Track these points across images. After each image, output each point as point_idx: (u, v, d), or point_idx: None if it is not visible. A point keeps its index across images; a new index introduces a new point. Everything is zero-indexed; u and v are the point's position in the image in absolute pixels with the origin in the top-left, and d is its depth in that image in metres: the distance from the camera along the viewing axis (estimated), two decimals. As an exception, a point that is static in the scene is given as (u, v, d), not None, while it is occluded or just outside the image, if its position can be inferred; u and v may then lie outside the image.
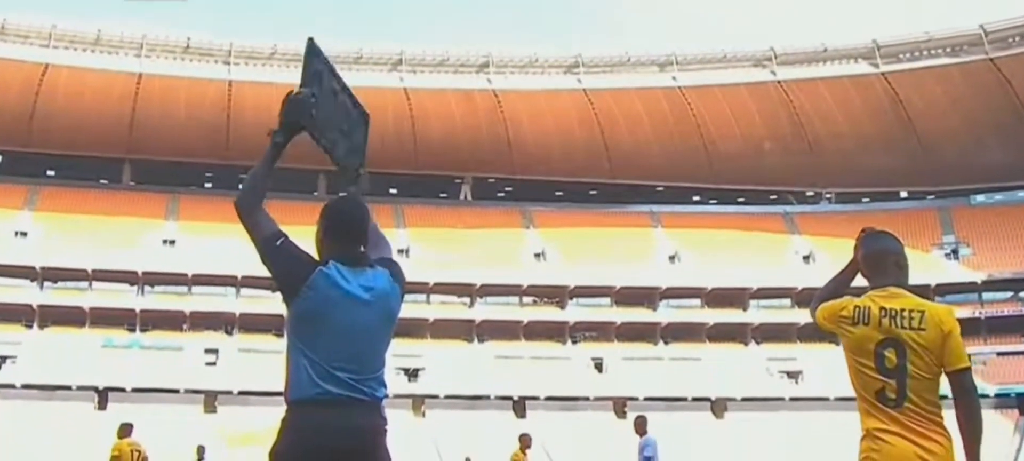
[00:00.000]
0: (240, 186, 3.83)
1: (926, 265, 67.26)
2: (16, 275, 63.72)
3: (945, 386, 3.91)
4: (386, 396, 3.76)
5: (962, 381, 3.91)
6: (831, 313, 4.05)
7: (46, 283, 64.77)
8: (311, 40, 4.01)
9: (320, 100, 3.93)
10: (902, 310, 3.96)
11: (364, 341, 3.70)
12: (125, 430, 14.86)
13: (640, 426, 14.22)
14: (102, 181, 73.99)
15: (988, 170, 73.95)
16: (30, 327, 63.44)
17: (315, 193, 72.83)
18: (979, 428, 3.90)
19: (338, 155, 4.12)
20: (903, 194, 79.70)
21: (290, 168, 72.84)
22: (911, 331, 3.91)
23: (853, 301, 3.99)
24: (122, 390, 59.45)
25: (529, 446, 16.63)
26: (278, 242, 3.73)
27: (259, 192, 3.81)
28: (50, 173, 72.89)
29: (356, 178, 4.19)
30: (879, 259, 4.14)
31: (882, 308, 3.94)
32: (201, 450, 21.71)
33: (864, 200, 79.34)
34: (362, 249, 3.83)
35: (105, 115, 69.21)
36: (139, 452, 14.76)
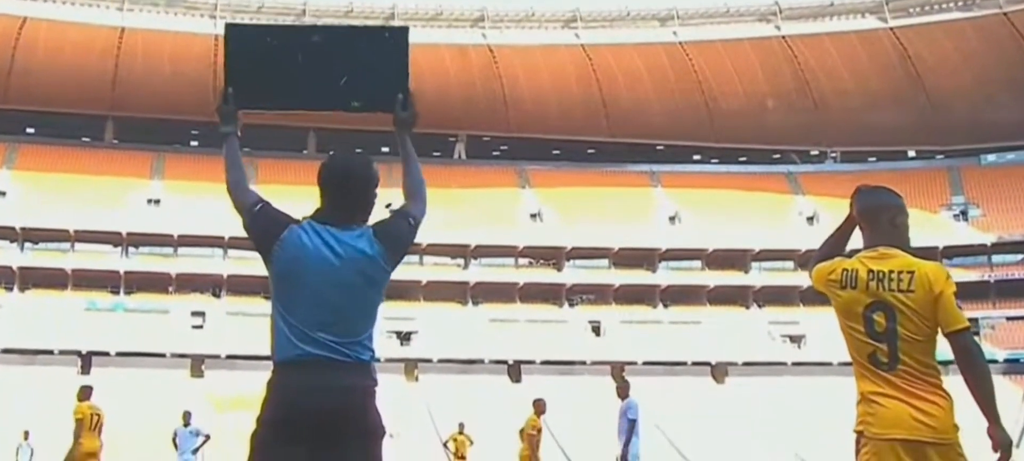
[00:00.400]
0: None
1: (934, 226, 67.37)
2: (-4, 236, 63.80)
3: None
4: (374, 358, 3.75)
5: (961, 342, 3.87)
6: (821, 276, 4.02)
7: (27, 244, 64.77)
8: (228, 26, 4.05)
9: (263, 72, 3.97)
10: (890, 272, 3.93)
11: (341, 303, 3.66)
12: (85, 393, 15.61)
13: (622, 390, 14.54)
14: (84, 139, 73.79)
15: (1000, 128, 73.81)
16: (10, 289, 63.49)
17: (305, 151, 72.78)
18: (988, 387, 3.87)
19: (334, 104, 4.13)
20: (911, 153, 79.68)
21: (279, 126, 72.52)
22: (899, 293, 3.89)
23: (842, 263, 3.98)
24: (106, 354, 59.61)
25: (544, 411, 16.92)
26: (257, 208, 3.81)
27: (238, 171, 3.94)
28: (30, 130, 72.60)
29: (399, 112, 4.13)
30: (873, 215, 4.11)
31: (870, 270, 3.92)
32: (187, 416, 21.78)
33: (870, 159, 79.27)
34: (353, 211, 3.81)
35: (86, 70, 68.89)
36: (98, 416, 15.63)
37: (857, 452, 3.84)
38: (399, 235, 3.86)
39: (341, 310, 3.67)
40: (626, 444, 14.07)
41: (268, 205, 3.82)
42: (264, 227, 3.76)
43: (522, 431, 17.36)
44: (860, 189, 4.22)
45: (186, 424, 21.48)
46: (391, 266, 3.81)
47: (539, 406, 17.05)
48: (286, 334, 3.64)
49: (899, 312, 3.87)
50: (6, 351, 58.22)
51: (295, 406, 3.54)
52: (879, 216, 4.11)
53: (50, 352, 59.10)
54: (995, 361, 64.47)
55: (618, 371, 63.13)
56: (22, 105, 70.71)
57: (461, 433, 28.83)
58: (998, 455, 3.85)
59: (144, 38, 67.80)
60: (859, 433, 3.84)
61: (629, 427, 14.08)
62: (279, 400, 3.59)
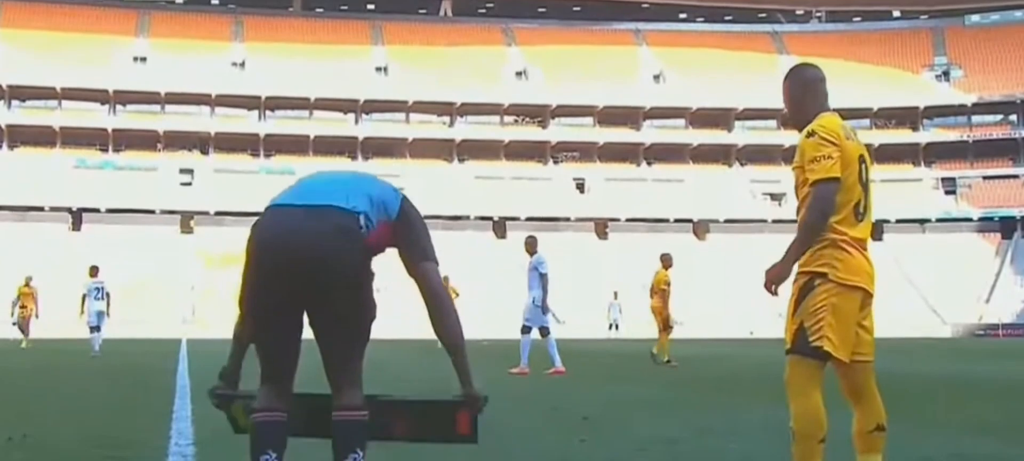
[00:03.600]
0: None
1: (915, 87, 67.22)
2: (-18, 93, 63.16)
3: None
4: (359, 211, 3.63)
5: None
6: (834, 133, 3.99)
7: (14, 102, 64.23)
8: None
9: None
10: (854, 130, 4.11)
11: (322, 186, 3.69)
12: None
13: (530, 246, 15.02)
14: (67, -5, 72.42)
15: (985, -12, 73.29)
16: (-1, 146, 63.28)
17: (290, 8, 71.64)
18: None
19: None
20: (896, 13, 79.00)
21: (263, -18, 69.65)
22: (865, 152, 4.06)
23: (833, 122, 4.03)
24: (96, 211, 59.72)
25: (671, 265, 17.16)
26: None
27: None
28: (12, -13, 71.26)
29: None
30: (822, 85, 4.19)
31: (851, 128, 4.08)
32: (94, 269, 21.18)
33: (855, 19, 78.71)
34: None
35: (68, -75, 67.38)
36: None
37: (806, 290, 3.91)
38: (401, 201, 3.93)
39: (322, 190, 3.67)
40: (544, 296, 14.71)
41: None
42: None
43: (653, 286, 17.62)
44: (802, 65, 4.35)
45: (93, 276, 20.88)
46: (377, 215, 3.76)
47: (666, 260, 17.36)
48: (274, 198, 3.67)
49: (868, 166, 4.06)
50: (-3, 207, 58.32)
51: (278, 243, 3.49)
52: (824, 85, 4.19)
53: (40, 209, 59.16)
54: (969, 220, 65.10)
55: (601, 227, 63.61)
56: (4, -40, 69.31)
57: (446, 286, 29.07)
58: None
59: None
60: (815, 273, 3.92)
61: (542, 280, 14.73)
62: (262, 240, 3.54)
